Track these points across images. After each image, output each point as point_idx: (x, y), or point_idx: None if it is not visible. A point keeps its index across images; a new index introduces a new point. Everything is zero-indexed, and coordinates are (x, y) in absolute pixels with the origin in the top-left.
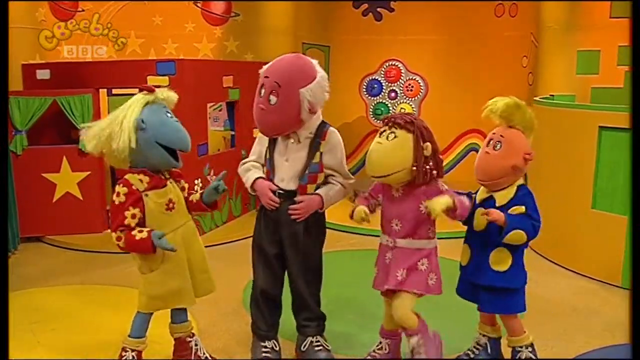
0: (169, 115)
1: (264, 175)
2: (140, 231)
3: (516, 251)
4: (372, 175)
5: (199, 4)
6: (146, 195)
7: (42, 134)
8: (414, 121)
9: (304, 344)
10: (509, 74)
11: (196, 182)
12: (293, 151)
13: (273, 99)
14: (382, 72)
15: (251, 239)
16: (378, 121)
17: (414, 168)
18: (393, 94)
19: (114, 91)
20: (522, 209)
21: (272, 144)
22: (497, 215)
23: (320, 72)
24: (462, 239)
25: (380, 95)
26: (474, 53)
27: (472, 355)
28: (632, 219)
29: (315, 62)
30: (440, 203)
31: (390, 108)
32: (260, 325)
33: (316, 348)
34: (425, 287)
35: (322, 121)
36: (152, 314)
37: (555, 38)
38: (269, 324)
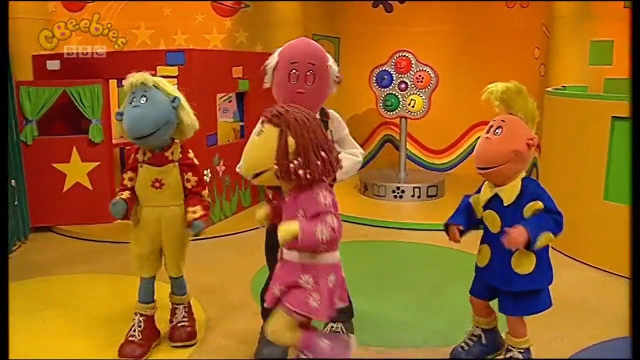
0: (132, 104)
1: None
2: (121, 193)
3: (540, 250)
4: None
5: None
6: (141, 166)
7: (52, 124)
8: (282, 113)
9: (325, 329)
10: (520, 66)
11: (205, 172)
12: None
13: (310, 79)
14: (393, 63)
15: (260, 229)
16: (388, 113)
17: (275, 165)
18: (403, 85)
19: (124, 82)
20: (540, 204)
21: None
22: (516, 236)
23: None
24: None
25: (391, 87)
26: (485, 44)
27: (466, 348)
28: (632, 213)
29: None
30: (287, 231)
31: (400, 99)
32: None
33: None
34: (302, 305)
35: (322, 107)
36: (148, 280)
37: (567, 28)
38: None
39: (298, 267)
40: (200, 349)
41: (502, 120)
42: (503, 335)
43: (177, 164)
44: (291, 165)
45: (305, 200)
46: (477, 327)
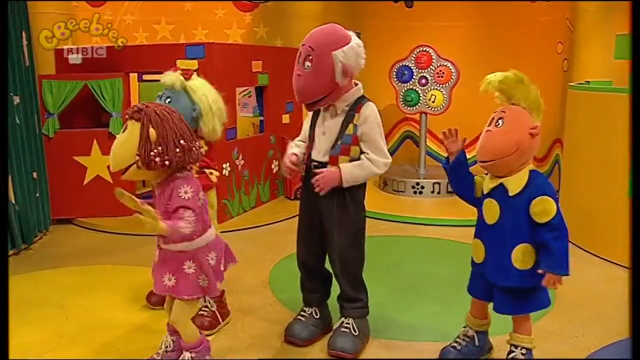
0: (158, 100)
1: (297, 152)
2: None
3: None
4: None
5: None
6: None
7: (74, 117)
8: (142, 109)
9: (337, 323)
10: (543, 61)
11: (224, 165)
12: (329, 124)
13: (307, 63)
14: (413, 58)
15: (278, 224)
16: (408, 108)
17: (137, 156)
18: (424, 81)
19: (145, 77)
20: (552, 210)
21: (314, 119)
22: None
23: (356, 39)
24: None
25: (411, 82)
26: (507, 39)
27: (458, 348)
28: (632, 210)
29: (351, 32)
30: (157, 228)
31: (421, 94)
32: (302, 290)
33: (342, 329)
34: (195, 290)
35: (362, 95)
36: None
37: (592, 22)
38: (308, 291)
39: (180, 256)
40: (216, 337)
41: (503, 112)
42: (507, 336)
43: None
44: (152, 153)
45: (169, 196)
46: (470, 327)
